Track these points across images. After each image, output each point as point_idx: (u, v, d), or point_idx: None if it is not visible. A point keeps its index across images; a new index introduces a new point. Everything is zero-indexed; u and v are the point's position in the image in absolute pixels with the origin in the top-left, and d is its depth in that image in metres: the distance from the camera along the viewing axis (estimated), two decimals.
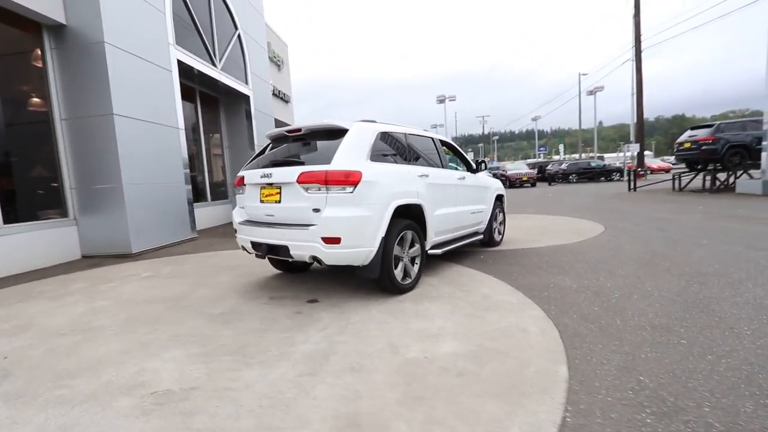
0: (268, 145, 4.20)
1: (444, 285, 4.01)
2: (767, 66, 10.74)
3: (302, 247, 3.30)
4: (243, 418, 1.85)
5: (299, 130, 3.73)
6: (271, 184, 3.55)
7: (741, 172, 12.61)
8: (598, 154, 39.57)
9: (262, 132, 10.87)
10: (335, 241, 3.19)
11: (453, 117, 55.52)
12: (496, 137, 75.04)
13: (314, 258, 3.30)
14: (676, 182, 14.11)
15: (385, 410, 1.88)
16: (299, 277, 4.51)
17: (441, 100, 28.70)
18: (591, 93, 29.88)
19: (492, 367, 2.27)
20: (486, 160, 6.05)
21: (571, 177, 25.63)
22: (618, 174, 25.76)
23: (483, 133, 68.07)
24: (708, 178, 12.65)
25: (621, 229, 6.88)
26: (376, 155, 3.60)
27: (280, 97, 14.34)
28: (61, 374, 2.38)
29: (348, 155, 3.34)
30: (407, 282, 3.76)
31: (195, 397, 2.06)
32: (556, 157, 45.88)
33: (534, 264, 4.76)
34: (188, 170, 7.57)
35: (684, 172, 14.04)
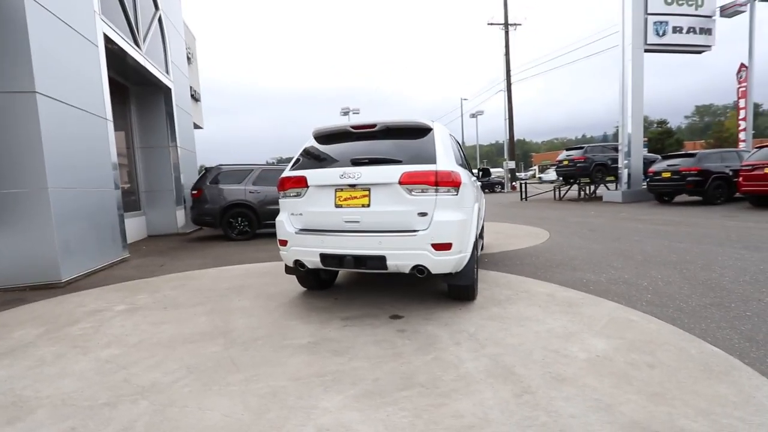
0: (310, 143, 3.64)
1: (494, 288, 4.05)
2: (621, 101, 13.97)
3: (405, 255, 2.94)
4: None
5: (372, 126, 3.33)
6: (354, 186, 3.07)
7: (599, 185, 16.03)
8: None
9: (184, 132, 9.25)
10: (446, 247, 2.94)
11: None
12: None
13: (417, 268, 2.97)
14: (556, 193, 17.12)
15: (650, 411, 1.82)
16: (334, 292, 3.97)
17: (345, 112, 29.02)
18: (473, 116, 34.39)
19: (665, 355, 2.40)
20: (488, 167, 6.36)
21: None
22: (500, 186, 29.91)
23: None
24: (583, 189, 15.70)
25: (561, 232, 8.00)
26: None
27: (191, 94, 12.37)
28: None
29: (445, 155, 3.14)
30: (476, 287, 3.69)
31: None
32: None
33: (538, 263, 5.18)
34: (118, 171, 5.92)
35: (562, 185, 17.13)
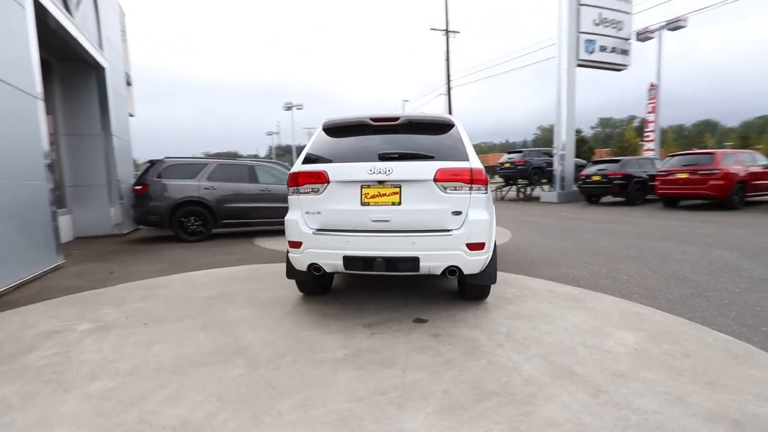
0: (320, 136, 3.33)
1: (496, 286, 4.09)
2: (557, 111, 15.23)
3: (440, 256, 2.81)
4: None
5: (395, 119, 3.14)
6: (383, 182, 2.85)
7: (535, 186, 17.37)
8: None
9: (119, 119, 8.06)
10: (480, 246, 2.87)
11: (276, 126, 54.61)
12: None
13: (451, 269, 2.85)
14: (497, 193, 18.19)
15: (717, 400, 1.92)
16: (336, 297, 3.69)
17: (288, 107, 27.82)
18: None
19: (689, 344, 2.58)
20: None
21: None
22: None
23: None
24: (521, 190, 16.88)
25: (520, 231, 8.45)
26: None
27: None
28: None
29: (473, 153, 3.07)
30: None
31: None
32: None
33: (518, 260, 5.38)
34: (50, 161, 4.90)
35: (503, 186, 18.25)
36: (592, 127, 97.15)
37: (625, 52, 15.58)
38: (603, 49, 15.04)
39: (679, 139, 68.70)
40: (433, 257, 2.81)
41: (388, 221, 2.86)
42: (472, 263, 2.88)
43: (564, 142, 15.04)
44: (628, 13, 15.53)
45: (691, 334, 2.75)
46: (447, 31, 29.80)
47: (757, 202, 11.20)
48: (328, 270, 2.98)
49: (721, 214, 9.59)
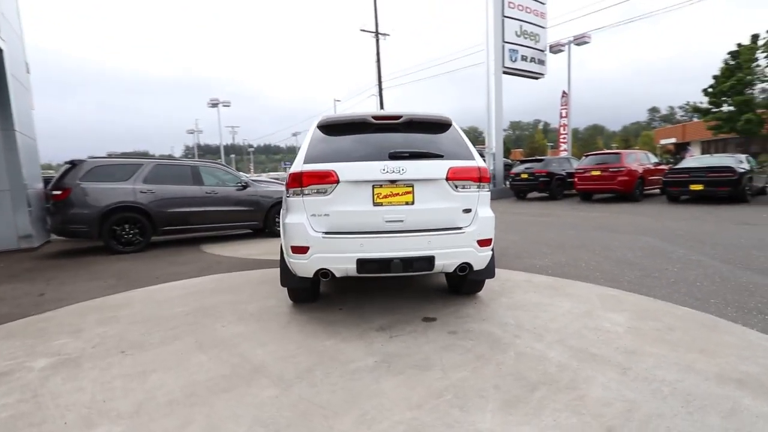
0: (316, 134, 3.14)
1: None
2: (487, 115, 16.34)
3: (453, 254, 2.84)
4: None
5: (397, 117, 3.08)
6: (394, 182, 2.78)
7: None
8: None
9: (21, 113, 6.73)
10: (488, 242, 2.97)
11: (195, 124, 50.20)
12: (252, 149, 73.56)
13: (462, 266, 2.90)
14: None
15: (716, 364, 2.24)
16: (331, 303, 3.54)
17: (214, 104, 25.55)
18: None
19: (668, 320, 2.96)
20: None
21: None
22: None
23: (234, 143, 65.17)
24: None
25: None
26: None
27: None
28: None
29: (475, 151, 3.15)
30: None
31: None
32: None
33: None
34: None
35: None
36: (504, 130, 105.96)
37: (542, 62, 17.30)
38: (524, 58, 16.53)
39: (575, 141, 78.46)
40: (448, 255, 2.83)
41: (402, 221, 2.81)
42: (482, 259, 2.97)
43: (494, 142, 16.21)
44: (544, 28, 17.28)
45: (665, 311, 3.15)
46: (377, 33, 30.21)
47: (651, 194, 13.23)
48: (338, 275, 2.83)
49: (628, 206, 11.15)
